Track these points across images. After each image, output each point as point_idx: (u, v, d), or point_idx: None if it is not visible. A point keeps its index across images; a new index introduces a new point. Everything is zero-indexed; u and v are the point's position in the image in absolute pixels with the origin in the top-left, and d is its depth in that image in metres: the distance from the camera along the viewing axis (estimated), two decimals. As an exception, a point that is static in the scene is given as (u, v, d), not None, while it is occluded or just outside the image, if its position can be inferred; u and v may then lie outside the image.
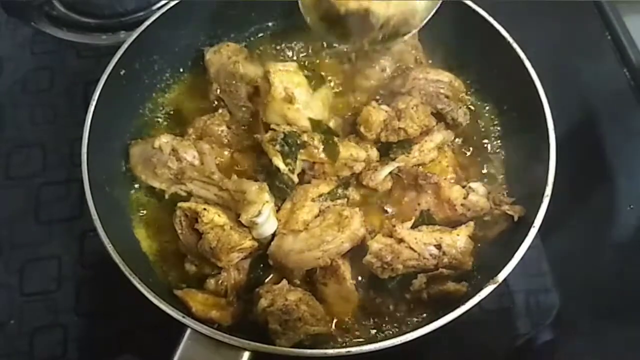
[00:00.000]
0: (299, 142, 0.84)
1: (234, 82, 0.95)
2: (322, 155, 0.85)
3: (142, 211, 0.90)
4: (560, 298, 0.95)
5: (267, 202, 0.79)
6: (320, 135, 0.87)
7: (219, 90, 0.96)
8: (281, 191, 0.84)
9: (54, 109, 1.13)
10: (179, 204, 0.81)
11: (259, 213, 0.78)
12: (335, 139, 0.88)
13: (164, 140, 0.88)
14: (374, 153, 0.89)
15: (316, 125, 0.90)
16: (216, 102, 0.97)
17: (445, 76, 0.93)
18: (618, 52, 1.15)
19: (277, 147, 0.83)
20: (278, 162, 0.83)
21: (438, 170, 0.90)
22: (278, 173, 0.83)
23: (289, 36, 1.05)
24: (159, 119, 1.00)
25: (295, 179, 0.85)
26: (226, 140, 0.93)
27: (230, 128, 0.94)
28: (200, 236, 0.79)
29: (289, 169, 0.83)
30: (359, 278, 0.83)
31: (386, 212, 0.89)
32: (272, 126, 0.86)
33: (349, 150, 0.87)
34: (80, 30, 1.18)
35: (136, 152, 0.89)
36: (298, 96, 0.87)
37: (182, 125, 0.96)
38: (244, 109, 0.95)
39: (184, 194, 0.85)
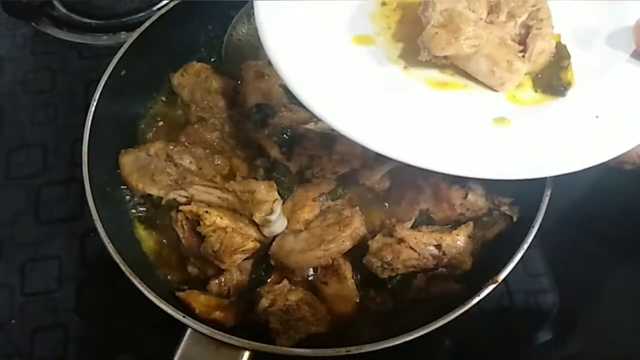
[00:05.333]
0: (296, 134, 0.86)
1: (210, 97, 0.96)
2: (319, 147, 0.86)
3: (143, 211, 0.90)
4: (560, 298, 0.95)
5: (277, 199, 0.81)
6: (316, 130, 0.88)
7: (198, 109, 0.96)
8: (280, 184, 0.85)
9: (55, 110, 1.13)
10: (181, 207, 0.81)
11: (272, 211, 0.79)
12: (332, 133, 0.89)
13: (159, 146, 0.88)
14: None
15: (290, 93, 0.92)
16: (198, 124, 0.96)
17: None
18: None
19: (274, 139, 0.85)
20: (275, 152, 0.85)
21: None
22: (275, 164, 0.85)
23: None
24: (159, 122, 1.00)
25: (292, 168, 0.86)
26: (219, 147, 0.94)
27: (222, 135, 0.94)
28: (202, 239, 0.79)
29: (285, 158, 0.85)
30: (359, 277, 0.83)
31: (385, 211, 0.89)
32: (253, 103, 0.91)
33: (345, 142, 0.88)
34: (81, 31, 1.18)
35: (128, 161, 0.88)
36: (268, 71, 0.94)
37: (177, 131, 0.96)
38: (228, 119, 0.96)
39: (183, 199, 0.85)
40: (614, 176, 1.04)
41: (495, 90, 0.67)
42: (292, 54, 0.65)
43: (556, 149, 0.61)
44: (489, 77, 0.66)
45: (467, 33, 0.63)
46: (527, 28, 0.67)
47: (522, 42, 0.67)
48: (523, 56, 0.65)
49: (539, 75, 0.68)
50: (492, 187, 0.87)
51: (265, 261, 0.84)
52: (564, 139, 0.62)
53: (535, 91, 0.68)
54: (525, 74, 0.67)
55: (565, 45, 0.68)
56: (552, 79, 0.67)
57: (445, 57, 0.65)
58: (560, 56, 0.68)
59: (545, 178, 0.79)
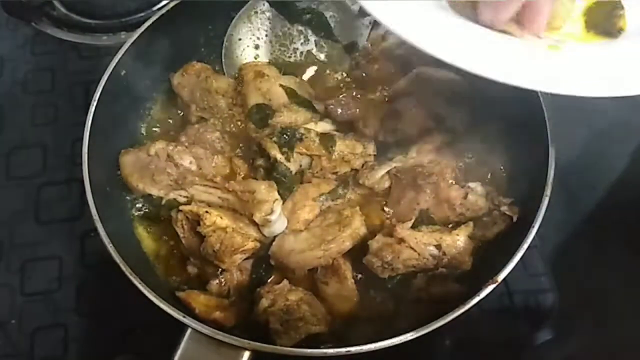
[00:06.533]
0: (296, 134, 0.86)
1: (210, 97, 0.96)
2: (319, 147, 0.87)
3: (143, 211, 0.90)
4: (559, 298, 0.95)
5: (277, 199, 0.81)
6: (316, 130, 0.89)
7: (198, 109, 0.96)
8: (280, 184, 0.85)
9: (55, 110, 1.13)
10: (181, 207, 0.81)
11: (272, 210, 0.79)
12: (332, 133, 0.90)
13: (159, 146, 0.88)
14: (370, 147, 0.90)
15: (291, 93, 0.95)
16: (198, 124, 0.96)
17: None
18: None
19: (274, 139, 0.85)
20: (275, 152, 0.84)
21: (437, 170, 0.90)
22: (275, 164, 0.85)
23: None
24: (159, 122, 1.00)
25: (292, 168, 0.86)
26: (220, 147, 0.93)
27: (223, 135, 0.94)
28: (202, 239, 0.79)
29: (285, 157, 0.85)
30: (359, 277, 0.83)
31: (385, 211, 0.89)
32: (253, 103, 0.93)
33: (344, 142, 0.88)
34: (81, 31, 1.18)
35: (129, 161, 0.88)
36: (268, 71, 0.96)
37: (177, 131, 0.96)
38: (228, 119, 0.96)
39: (183, 199, 0.85)
40: (613, 177, 1.05)
41: None
42: None
43: (606, 74, 0.64)
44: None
45: None
46: None
47: None
48: None
49: (592, 20, 0.72)
50: (492, 186, 0.88)
51: (266, 261, 0.84)
52: (613, 67, 0.65)
53: (588, 32, 0.72)
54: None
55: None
56: (605, 24, 0.71)
57: None
58: (615, 6, 0.71)
59: (546, 177, 0.80)
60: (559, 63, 0.65)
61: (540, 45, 0.67)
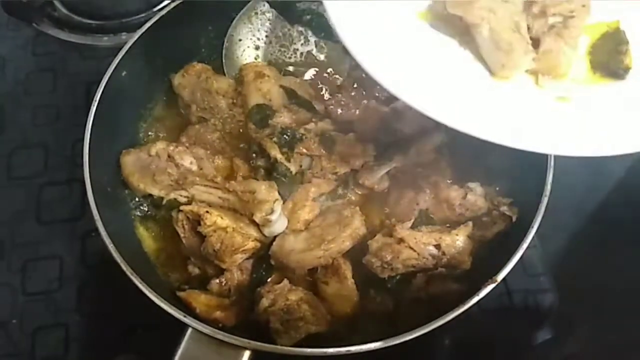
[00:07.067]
0: (296, 134, 0.87)
1: (211, 97, 0.96)
2: (319, 147, 0.87)
3: (144, 211, 0.90)
4: (559, 298, 0.95)
5: (277, 199, 0.81)
6: (316, 130, 0.89)
7: (199, 110, 0.96)
8: (280, 184, 0.85)
9: (56, 110, 1.13)
10: (182, 207, 0.81)
11: (272, 210, 0.80)
12: (332, 133, 0.90)
13: (160, 146, 0.89)
14: (370, 147, 0.90)
15: (291, 94, 0.96)
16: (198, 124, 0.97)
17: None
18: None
19: (275, 139, 0.86)
20: (275, 152, 0.85)
21: (437, 170, 0.91)
22: (276, 164, 0.85)
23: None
24: (160, 122, 1.00)
25: (292, 168, 0.86)
26: (220, 147, 0.94)
27: (223, 135, 0.95)
28: (203, 239, 0.79)
29: (285, 158, 0.85)
30: (359, 277, 0.83)
31: (385, 211, 0.89)
32: (254, 103, 0.93)
33: (344, 142, 0.88)
34: (82, 32, 1.18)
35: (130, 161, 0.89)
36: (268, 72, 0.96)
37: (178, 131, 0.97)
38: (229, 119, 0.96)
39: (183, 199, 0.85)
40: (613, 177, 1.05)
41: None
42: (360, 29, 0.64)
43: (617, 128, 0.61)
44: (490, 55, 0.66)
45: (482, 2, 0.63)
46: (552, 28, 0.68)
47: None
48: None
49: (597, 58, 0.69)
50: (491, 186, 0.88)
51: (266, 261, 0.84)
52: (624, 119, 0.62)
53: (594, 73, 0.68)
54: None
55: (623, 32, 0.69)
56: (611, 63, 0.68)
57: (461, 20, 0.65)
58: (619, 42, 0.68)
59: (546, 177, 0.80)
60: (570, 119, 0.61)
61: (547, 97, 0.64)
